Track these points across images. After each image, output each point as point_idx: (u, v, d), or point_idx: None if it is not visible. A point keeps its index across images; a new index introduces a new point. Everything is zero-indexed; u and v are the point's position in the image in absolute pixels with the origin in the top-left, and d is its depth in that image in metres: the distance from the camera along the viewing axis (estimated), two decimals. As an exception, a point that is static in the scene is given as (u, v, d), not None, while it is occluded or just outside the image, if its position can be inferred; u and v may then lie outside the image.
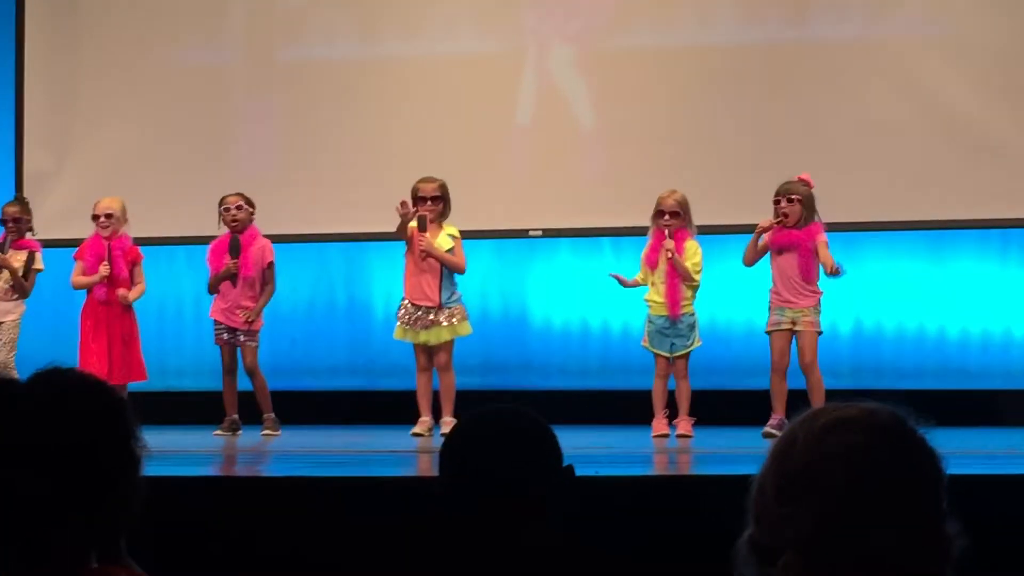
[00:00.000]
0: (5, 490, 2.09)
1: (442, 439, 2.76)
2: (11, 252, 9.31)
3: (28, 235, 9.43)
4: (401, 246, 8.89)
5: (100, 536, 2.18)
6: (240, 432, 8.92)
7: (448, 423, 8.03)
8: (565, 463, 2.72)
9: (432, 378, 8.70)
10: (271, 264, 9.06)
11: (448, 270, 8.69)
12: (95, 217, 9.12)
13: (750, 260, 8.51)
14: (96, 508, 2.14)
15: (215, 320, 9.05)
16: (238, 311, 8.95)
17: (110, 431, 2.18)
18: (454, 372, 8.64)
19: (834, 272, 8.21)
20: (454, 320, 8.66)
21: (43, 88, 10.59)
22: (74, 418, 2.15)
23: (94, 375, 2.30)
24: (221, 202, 9.10)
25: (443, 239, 8.69)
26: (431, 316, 8.65)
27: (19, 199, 9.73)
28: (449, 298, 8.68)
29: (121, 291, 8.98)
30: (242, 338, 8.99)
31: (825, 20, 9.74)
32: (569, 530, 2.63)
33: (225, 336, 9.02)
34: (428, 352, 8.67)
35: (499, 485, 2.62)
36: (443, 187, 8.73)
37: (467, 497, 2.64)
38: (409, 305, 8.70)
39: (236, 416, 8.98)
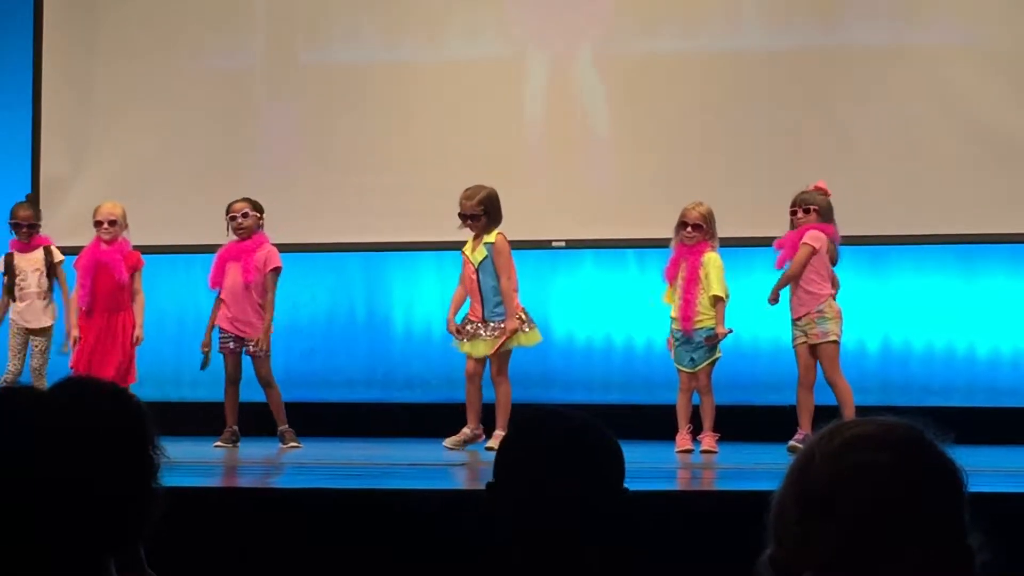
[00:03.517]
0: (27, 497, 2.13)
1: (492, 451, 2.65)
2: (27, 256, 9.42)
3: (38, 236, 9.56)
4: (422, 256, 8.92)
5: (119, 543, 2.21)
6: (239, 444, 8.93)
7: (496, 437, 8.02)
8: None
9: (480, 389, 8.72)
10: (275, 270, 9.04)
11: (486, 286, 8.70)
12: (97, 223, 9.18)
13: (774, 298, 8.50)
14: (115, 516, 2.18)
15: (221, 328, 9.05)
16: (247, 330, 8.97)
17: (130, 439, 2.22)
18: (509, 383, 8.64)
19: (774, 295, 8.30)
20: (495, 333, 8.69)
21: (61, 93, 10.63)
22: (95, 426, 2.18)
23: (115, 383, 2.34)
24: (228, 209, 9.11)
25: (479, 251, 8.70)
26: (478, 329, 8.70)
27: (30, 201, 9.77)
28: (492, 311, 8.70)
29: (136, 334, 9.06)
30: (252, 348, 9.01)
31: (855, 27, 9.72)
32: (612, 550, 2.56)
33: (231, 345, 9.02)
34: (478, 362, 8.70)
35: (552, 504, 2.50)
36: (483, 200, 8.64)
37: (514, 517, 2.52)
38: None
39: (236, 427, 8.98)
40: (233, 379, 9.02)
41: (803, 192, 8.47)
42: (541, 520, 2.50)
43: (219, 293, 9.10)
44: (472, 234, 8.74)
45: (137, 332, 9.10)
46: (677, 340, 8.60)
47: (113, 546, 2.20)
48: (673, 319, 8.61)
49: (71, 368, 8.89)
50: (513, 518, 2.52)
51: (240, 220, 9.05)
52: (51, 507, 2.13)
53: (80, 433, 2.16)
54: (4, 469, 2.12)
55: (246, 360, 9.04)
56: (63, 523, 2.13)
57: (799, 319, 8.38)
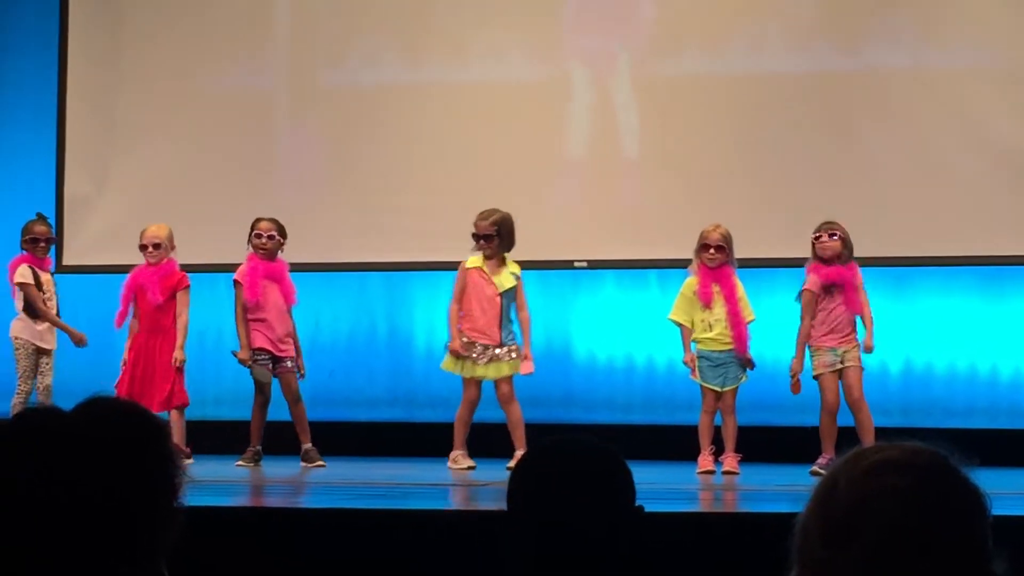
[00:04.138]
0: (49, 514, 2.14)
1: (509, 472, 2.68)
2: (44, 275, 9.45)
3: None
4: (444, 276, 8.94)
5: (140, 561, 2.23)
6: (261, 463, 8.93)
7: (517, 457, 8.04)
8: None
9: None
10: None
11: (508, 312, 8.76)
12: (143, 247, 9.13)
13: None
14: (136, 533, 2.19)
15: (260, 347, 9.05)
16: (286, 350, 9.01)
17: (151, 458, 2.24)
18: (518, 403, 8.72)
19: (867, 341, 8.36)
20: (513, 355, 8.74)
21: (85, 112, 10.66)
22: (117, 445, 2.20)
23: (137, 403, 2.36)
24: (254, 225, 9.13)
25: (506, 277, 8.76)
26: (492, 352, 8.72)
27: (43, 217, 9.74)
28: (508, 336, 8.75)
29: (174, 355, 8.99)
30: (289, 364, 9.03)
31: (877, 49, 9.71)
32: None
33: (269, 365, 9.05)
34: (479, 386, 8.74)
35: (565, 524, 2.53)
36: (498, 222, 8.75)
37: (531, 536, 2.55)
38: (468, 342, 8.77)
39: (260, 447, 8.98)
40: (265, 400, 9.03)
41: (828, 221, 8.53)
42: (555, 545, 2.52)
43: (247, 310, 9.08)
44: (483, 255, 8.77)
45: (176, 353, 8.98)
46: (710, 361, 8.62)
47: (133, 564, 2.22)
48: (705, 340, 8.62)
49: (114, 389, 8.85)
50: (527, 545, 2.54)
51: (265, 240, 9.07)
52: (72, 525, 2.15)
53: (102, 452, 2.18)
54: (28, 489, 2.14)
55: (276, 381, 9.06)
56: (84, 541, 2.15)
57: (844, 348, 8.42)
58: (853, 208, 8.70)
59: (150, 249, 9.11)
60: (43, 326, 9.39)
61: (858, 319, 8.52)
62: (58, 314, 9.46)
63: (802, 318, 8.50)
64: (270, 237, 9.08)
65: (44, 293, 9.41)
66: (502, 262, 8.82)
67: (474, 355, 8.73)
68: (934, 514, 1.86)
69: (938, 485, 1.88)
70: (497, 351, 8.73)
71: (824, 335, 8.48)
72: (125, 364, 9.08)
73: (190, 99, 10.54)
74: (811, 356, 8.51)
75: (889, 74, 9.71)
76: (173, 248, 9.19)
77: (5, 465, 2.17)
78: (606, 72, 10.13)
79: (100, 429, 2.21)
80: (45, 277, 9.47)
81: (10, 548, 2.14)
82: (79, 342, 9.44)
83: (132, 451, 2.21)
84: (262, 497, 7.50)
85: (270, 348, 9.04)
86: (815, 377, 8.49)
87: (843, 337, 8.47)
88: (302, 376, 9.06)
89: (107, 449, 2.18)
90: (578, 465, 2.59)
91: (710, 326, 8.64)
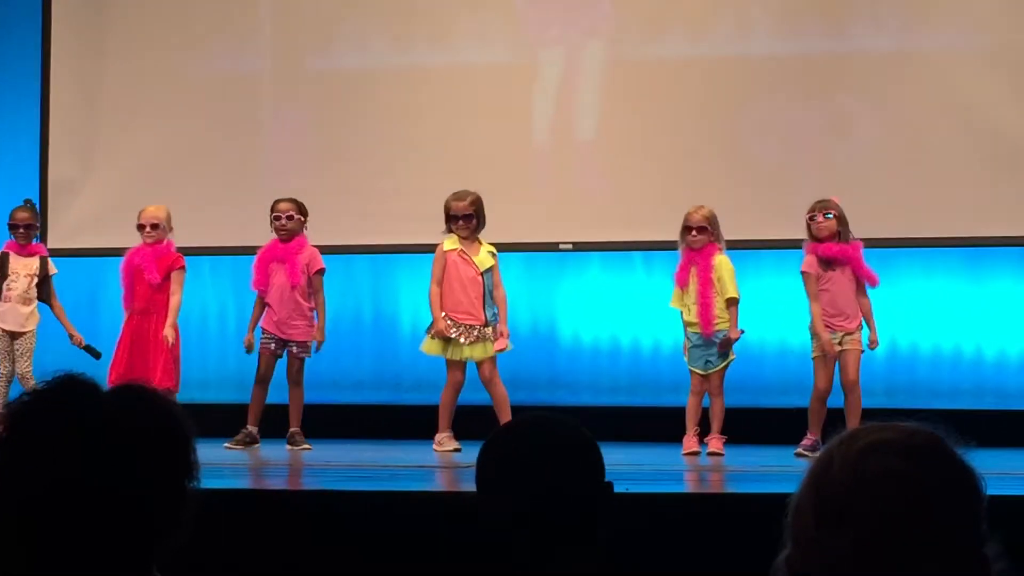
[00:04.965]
0: (83, 493, 2.15)
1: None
2: (22, 259, 9.41)
3: (36, 243, 9.55)
4: (428, 259, 8.93)
5: (161, 544, 2.24)
6: (257, 446, 8.92)
7: None
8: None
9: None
10: (320, 271, 9.09)
11: (490, 291, 8.75)
12: (140, 227, 9.11)
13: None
14: (163, 515, 2.21)
15: (264, 329, 9.05)
16: (291, 332, 9.00)
17: (176, 443, 2.25)
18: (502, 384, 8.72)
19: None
20: (491, 335, 8.75)
21: (69, 95, 10.63)
22: (144, 431, 2.22)
23: (161, 391, 2.38)
24: (272, 207, 9.13)
25: (485, 257, 8.76)
26: (476, 333, 8.72)
27: (29, 204, 9.74)
28: (492, 315, 8.76)
29: (163, 333, 8.96)
30: (295, 349, 9.03)
31: (861, 33, 9.72)
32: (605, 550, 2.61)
33: (272, 347, 9.03)
34: (464, 368, 8.73)
35: (535, 500, 2.55)
36: (475, 203, 8.77)
37: (502, 513, 2.57)
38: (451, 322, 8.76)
39: (255, 429, 8.95)
40: (264, 379, 9.02)
41: (821, 200, 8.48)
42: (526, 521, 2.54)
43: (259, 294, 9.09)
44: (457, 236, 8.77)
45: (166, 331, 8.95)
46: (692, 343, 8.61)
47: (156, 547, 2.24)
48: (688, 323, 8.62)
49: (109, 370, 8.84)
50: (499, 522, 2.56)
51: (284, 221, 9.06)
52: (104, 505, 2.16)
53: (131, 436, 2.19)
54: (57, 467, 2.15)
55: (279, 364, 9.08)
56: (110, 520, 2.16)
57: (847, 330, 8.40)
58: (837, 190, 8.69)
59: (148, 229, 9.10)
60: (4, 307, 9.35)
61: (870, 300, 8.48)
62: (28, 302, 9.39)
63: (810, 303, 8.41)
64: (289, 217, 9.06)
65: (8, 276, 9.37)
66: (477, 242, 8.82)
67: (460, 337, 8.72)
68: (928, 497, 1.85)
69: (934, 467, 1.87)
70: (483, 331, 8.73)
71: (828, 315, 8.44)
72: (81, 343, 9.14)
73: (176, 82, 10.52)
74: (811, 338, 8.48)
75: (872, 57, 9.72)
76: (171, 230, 9.17)
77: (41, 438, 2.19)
78: (595, 55, 10.12)
79: (128, 414, 2.22)
80: (21, 263, 9.42)
81: (39, 522, 2.16)
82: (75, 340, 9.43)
83: (157, 436, 2.22)
84: (260, 479, 7.48)
85: (274, 331, 9.04)
86: (813, 358, 8.47)
87: (844, 320, 8.44)
88: (318, 347, 9.04)
89: (134, 433, 2.20)
90: (547, 442, 2.61)
91: (689, 309, 8.63)
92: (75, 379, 2.29)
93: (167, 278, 9.07)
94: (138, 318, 9.06)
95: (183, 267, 9.13)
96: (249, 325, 9.12)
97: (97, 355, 9.15)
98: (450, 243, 8.81)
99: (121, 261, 9.19)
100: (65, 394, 2.26)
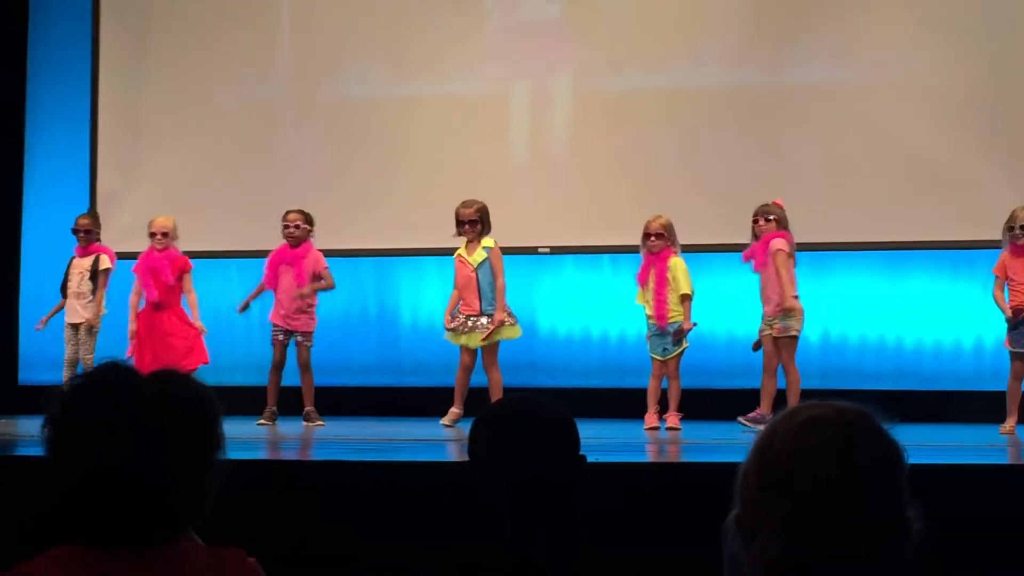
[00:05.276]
0: (127, 465, 2.13)
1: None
2: (80, 260, 9.39)
3: (96, 243, 9.51)
4: (425, 260, 8.91)
5: (191, 510, 2.22)
6: (276, 422, 8.92)
7: None
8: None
9: (470, 377, 8.73)
10: (324, 268, 9.12)
11: (489, 283, 8.72)
12: (152, 234, 9.19)
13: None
14: (195, 483, 2.20)
15: (273, 323, 9.09)
16: (295, 324, 8.99)
17: (211, 420, 2.24)
18: (499, 371, 8.65)
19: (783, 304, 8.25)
20: (487, 324, 8.71)
21: (115, 119, 10.62)
22: (185, 407, 2.21)
23: (193, 376, 2.36)
24: (283, 217, 9.15)
25: (478, 253, 8.74)
26: (470, 323, 8.70)
27: (91, 212, 9.80)
28: (488, 306, 8.71)
29: (198, 326, 9.06)
30: (299, 338, 9.03)
31: (795, 67, 9.73)
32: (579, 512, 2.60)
33: (280, 337, 9.05)
34: (471, 353, 8.71)
35: (522, 468, 2.55)
36: (480, 210, 8.75)
37: (494, 480, 2.57)
38: (460, 315, 8.74)
39: (276, 408, 8.99)
40: (279, 366, 9.06)
41: (764, 204, 8.49)
42: (515, 490, 2.54)
43: (263, 280, 9.15)
44: (466, 240, 8.75)
45: (198, 324, 9.07)
46: (652, 333, 8.61)
47: (187, 512, 2.22)
48: (648, 316, 8.62)
49: (127, 357, 8.83)
50: (491, 490, 2.56)
51: (292, 229, 9.09)
52: (143, 474, 2.15)
53: (166, 415, 2.19)
54: (103, 442, 2.14)
55: (291, 353, 9.07)
56: (151, 488, 2.15)
57: (772, 315, 8.38)
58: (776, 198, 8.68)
59: (158, 237, 9.19)
60: (67, 302, 9.35)
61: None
62: (82, 295, 9.36)
63: (784, 273, 8.30)
64: (296, 227, 9.09)
65: (70, 276, 9.35)
66: (477, 243, 8.80)
67: (463, 327, 8.71)
68: (859, 464, 1.84)
69: (863, 439, 1.86)
70: (480, 321, 8.70)
71: (767, 303, 8.44)
72: (135, 337, 9.09)
73: (205, 108, 10.51)
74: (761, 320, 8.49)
75: (806, 88, 9.74)
76: (177, 237, 9.24)
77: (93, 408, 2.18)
78: (567, 86, 10.12)
79: (170, 391, 2.23)
80: (76, 262, 9.41)
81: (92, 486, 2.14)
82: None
83: (192, 415, 2.22)
84: (278, 451, 7.46)
85: (281, 323, 9.05)
86: (761, 337, 8.46)
87: (769, 306, 8.43)
88: (325, 283, 9.08)
89: (177, 409, 2.20)
90: (529, 418, 2.62)
91: (649, 304, 8.63)
92: (117, 365, 2.27)
93: (179, 279, 9.13)
94: (152, 313, 9.10)
95: (191, 268, 9.22)
96: (247, 297, 9.19)
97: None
98: (460, 247, 8.81)
99: (134, 264, 9.22)
100: (109, 379, 2.24)
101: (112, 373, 2.25)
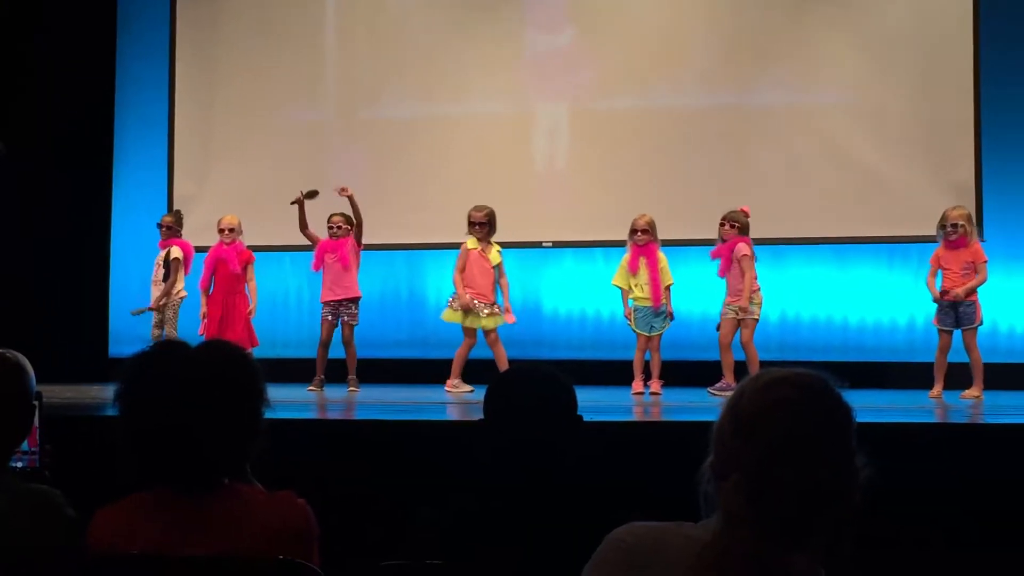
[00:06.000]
0: (188, 416, 2.13)
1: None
2: (160, 252, 9.39)
3: (174, 237, 9.49)
4: (447, 253, 8.89)
5: (249, 450, 2.22)
6: (324, 388, 8.92)
7: None
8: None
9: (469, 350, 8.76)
10: (359, 249, 9.12)
11: (497, 280, 8.74)
12: (221, 230, 9.16)
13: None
14: (246, 430, 2.19)
15: (324, 302, 9.09)
16: (343, 295, 8.97)
17: (251, 382, 2.23)
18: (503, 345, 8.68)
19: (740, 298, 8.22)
20: (497, 311, 8.72)
21: (188, 134, 10.63)
22: (230, 372, 2.20)
23: (240, 346, 2.36)
24: (328, 219, 9.15)
25: (495, 255, 8.79)
26: (488, 308, 8.70)
27: (174, 212, 9.79)
28: (499, 297, 8.74)
29: (249, 308, 9.02)
30: (345, 318, 9.00)
31: (765, 91, 9.72)
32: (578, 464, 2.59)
33: (329, 317, 9.03)
34: (475, 333, 8.73)
35: (529, 425, 2.54)
36: (489, 214, 8.78)
37: (505, 437, 2.56)
38: (476, 301, 8.73)
39: (323, 376, 8.99)
40: (325, 342, 9.04)
41: (731, 211, 8.48)
42: (522, 446, 2.53)
43: (314, 266, 9.16)
44: (476, 238, 8.75)
45: (251, 307, 9.05)
46: (641, 313, 8.58)
47: (236, 460, 2.22)
48: (637, 298, 8.58)
49: (200, 335, 8.83)
50: (499, 446, 2.55)
51: (335, 229, 9.11)
52: (196, 429, 2.15)
53: (221, 375, 2.21)
54: (170, 402, 2.16)
55: (335, 332, 9.05)
56: (211, 435, 2.15)
57: (731, 302, 8.35)
58: (745, 205, 8.66)
59: (226, 232, 9.15)
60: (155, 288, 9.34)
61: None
62: (157, 282, 9.33)
63: (749, 271, 8.29)
64: (338, 227, 9.10)
65: (157, 265, 9.35)
66: (489, 244, 8.79)
67: (480, 311, 8.71)
68: (814, 419, 1.85)
69: (818, 398, 1.87)
70: (492, 308, 8.73)
71: (731, 294, 8.42)
72: (206, 317, 9.08)
73: (265, 126, 10.50)
74: (723, 305, 8.47)
75: (772, 108, 9.72)
76: (241, 232, 9.20)
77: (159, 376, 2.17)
78: (564, 108, 10.10)
79: (218, 358, 2.24)
80: (162, 253, 9.40)
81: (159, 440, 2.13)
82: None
83: (240, 377, 2.23)
84: (325, 412, 7.45)
85: (330, 298, 9.07)
86: (722, 318, 8.44)
87: (731, 296, 8.41)
88: (344, 191, 8.97)
89: (225, 373, 2.21)
90: (537, 385, 2.61)
91: (640, 288, 8.61)
92: (172, 342, 2.29)
93: (244, 269, 9.10)
94: (223, 297, 9.07)
95: (254, 260, 9.19)
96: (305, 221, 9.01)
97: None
98: (471, 243, 8.81)
99: (205, 256, 9.20)
100: (165, 351, 2.25)
101: (165, 347, 2.25)
